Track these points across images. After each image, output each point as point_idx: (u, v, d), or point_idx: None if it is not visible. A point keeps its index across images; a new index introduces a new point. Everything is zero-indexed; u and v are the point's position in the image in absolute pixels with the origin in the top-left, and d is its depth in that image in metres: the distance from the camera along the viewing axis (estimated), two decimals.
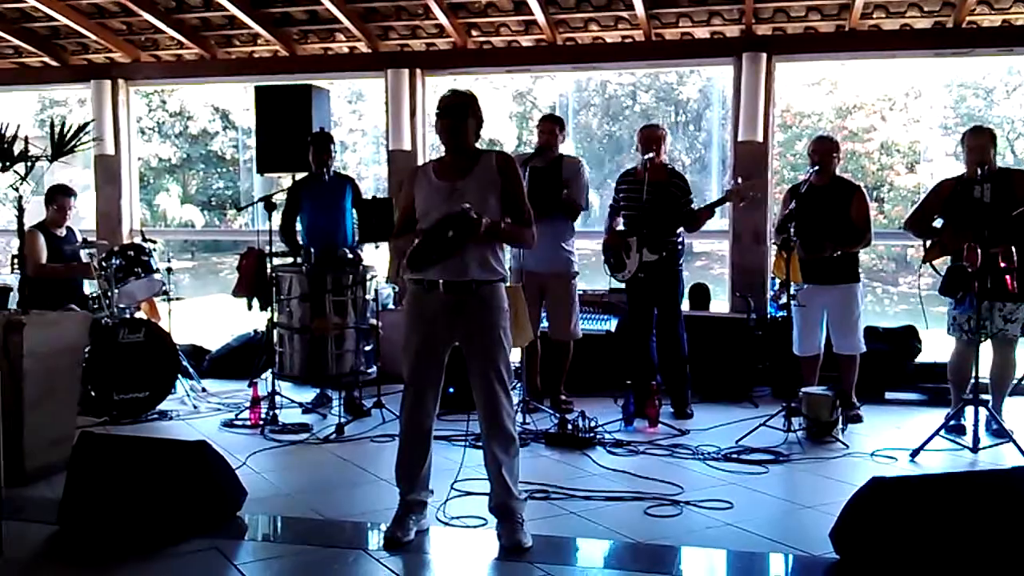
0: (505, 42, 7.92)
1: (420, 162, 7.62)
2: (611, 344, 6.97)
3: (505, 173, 3.91)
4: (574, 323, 6.45)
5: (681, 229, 6.26)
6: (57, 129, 5.33)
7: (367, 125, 16.65)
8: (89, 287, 6.98)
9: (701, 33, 7.52)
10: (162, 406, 6.42)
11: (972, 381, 5.48)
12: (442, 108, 3.90)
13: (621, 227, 6.41)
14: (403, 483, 3.97)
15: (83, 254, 6.83)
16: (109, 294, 6.39)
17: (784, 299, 5.87)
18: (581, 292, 6.72)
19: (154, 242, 6.92)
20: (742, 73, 7.34)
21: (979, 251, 5.23)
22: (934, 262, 5.71)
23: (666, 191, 6.17)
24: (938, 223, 5.81)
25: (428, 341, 3.87)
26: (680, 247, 6.34)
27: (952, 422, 5.51)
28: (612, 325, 7.12)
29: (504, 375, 3.86)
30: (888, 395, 6.83)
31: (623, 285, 6.46)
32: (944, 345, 5.97)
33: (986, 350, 5.60)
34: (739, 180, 6.16)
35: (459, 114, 3.88)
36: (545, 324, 6.57)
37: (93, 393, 6.05)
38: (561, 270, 6.35)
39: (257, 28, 7.92)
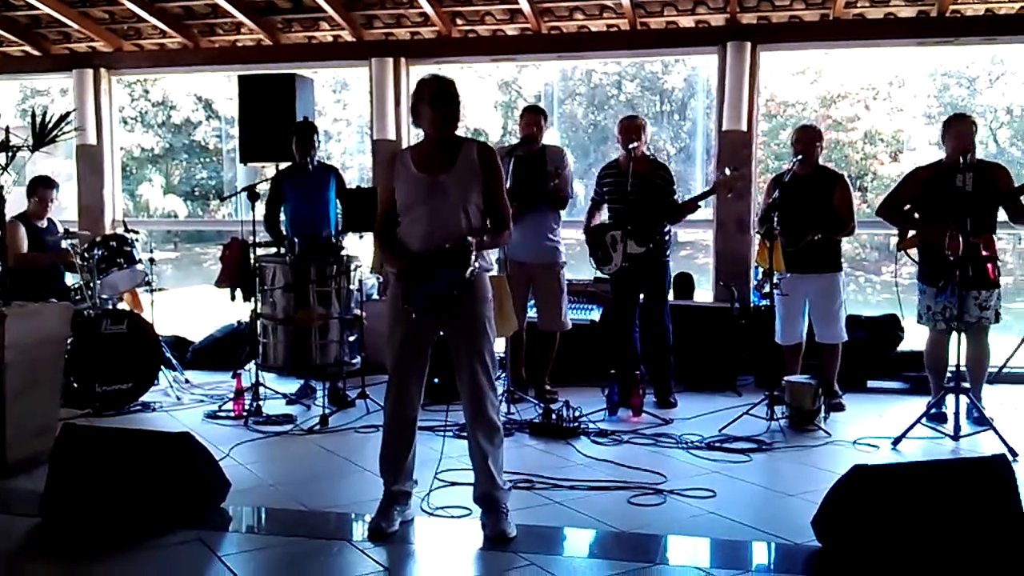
0: (490, 31, 7.91)
1: None
2: (595, 334, 6.98)
3: (487, 167, 3.86)
4: (563, 313, 6.45)
5: (666, 221, 6.26)
6: (39, 119, 5.29)
7: (351, 114, 16.56)
8: (71, 278, 6.94)
9: (686, 22, 7.52)
10: (145, 397, 6.40)
11: (953, 369, 5.51)
12: (437, 94, 3.79)
13: (605, 219, 6.41)
14: (387, 474, 3.97)
15: (64, 244, 6.79)
16: (91, 285, 6.36)
17: (767, 288, 5.89)
18: (566, 282, 6.72)
19: (137, 232, 6.88)
20: (727, 62, 7.36)
21: (961, 239, 5.26)
22: (909, 250, 5.75)
23: (651, 183, 6.17)
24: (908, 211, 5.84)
25: (412, 332, 3.85)
26: (667, 238, 6.35)
27: (933, 410, 5.55)
28: (596, 315, 7.13)
29: (489, 365, 3.86)
30: (870, 383, 6.87)
31: (608, 277, 6.47)
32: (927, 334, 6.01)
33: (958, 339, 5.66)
34: (727, 171, 6.17)
35: (456, 101, 3.82)
36: (532, 314, 6.58)
37: (76, 385, 6.02)
38: (548, 260, 6.34)
39: (240, 17, 7.88)
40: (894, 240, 5.93)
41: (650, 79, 16.76)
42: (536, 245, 6.24)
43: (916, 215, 5.77)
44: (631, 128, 6.24)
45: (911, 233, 5.76)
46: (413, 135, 8.16)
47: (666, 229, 6.30)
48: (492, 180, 3.88)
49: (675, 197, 6.25)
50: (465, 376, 3.85)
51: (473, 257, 3.67)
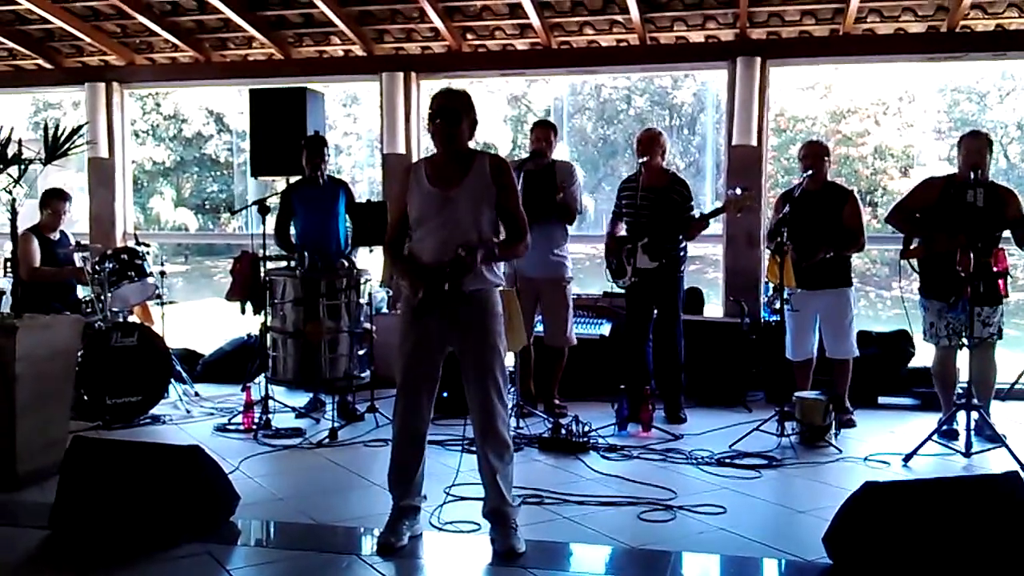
0: (500, 46, 7.93)
1: None
2: (605, 348, 6.97)
3: (500, 181, 3.85)
4: (569, 329, 6.44)
5: (681, 237, 6.25)
6: (51, 132, 5.32)
7: (362, 128, 16.60)
8: (82, 291, 6.96)
9: (696, 37, 7.53)
10: (155, 410, 6.40)
11: (964, 385, 5.49)
12: (435, 110, 3.82)
13: (623, 233, 6.41)
14: (396, 488, 3.96)
15: (76, 258, 6.81)
16: (102, 298, 6.37)
17: (777, 303, 5.88)
18: (576, 296, 6.72)
19: (147, 245, 6.89)
20: (736, 77, 7.36)
21: (972, 256, 5.25)
22: (913, 260, 5.75)
23: (666, 198, 6.16)
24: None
25: (422, 346, 3.85)
26: (682, 254, 6.32)
27: (945, 427, 5.52)
28: (606, 329, 7.11)
29: (500, 382, 3.84)
30: (881, 399, 6.83)
31: (619, 290, 6.46)
32: None
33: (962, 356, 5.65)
34: (737, 191, 6.17)
35: (453, 118, 3.80)
36: (539, 329, 6.57)
37: (86, 397, 6.03)
38: (555, 275, 6.34)
39: (252, 31, 7.92)
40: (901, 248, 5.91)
41: (660, 94, 16.77)
42: (543, 260, 6.23)
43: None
44: (642, 141, 6.26)
45: (915, 243, 5.77)
46: (424, 149, 8.19)
47: (681, 245, 6.28)
48: (506, 193, 3.88)
49: (691, 213, 6.24)
50: (475, 392, 3.83)
51: (475, 256, 3.65)
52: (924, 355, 6.89)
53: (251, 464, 5.23)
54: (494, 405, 3.81)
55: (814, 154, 6.12)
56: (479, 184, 3.82)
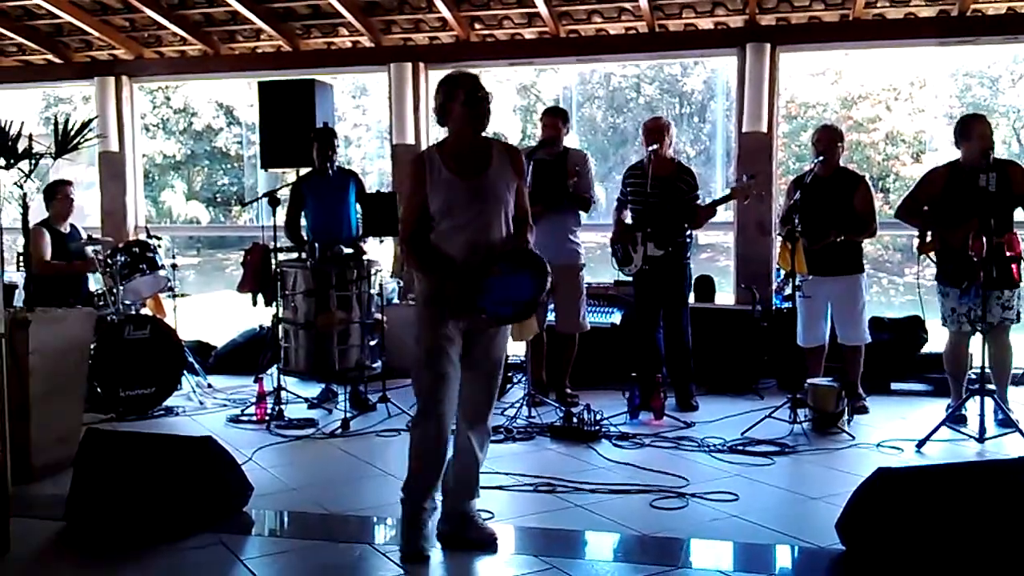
0: (508, 35, 7.92)
1: None
2: (616, 337, 6.96)
3: (516, 168, 3.73)
4: (582, 315, 6.45)
5: (686, 225, 6.24)
6: (61, 126, 5.33)
7: (371, 120, 16.61)
8: (95, 284, 6.99)
9: (705, 24, 7.50)
10: (168, 402, 6.43)
11: (979, 370, 5.47)
12: (472, 92, 3.57)
13: (629, 220, 6.40)
14: (420, 496, 3.73)
15: (88, 251, 6.84)
16: (114, 291, 6.40)
17: (789, 290, 5.86)
18: (587, 285, 6.71)
19: (159, 238, 6.92)
20: (746, 64, 7.33)
21: (984, 240, 5.22)
22: (931, 253, 5.72)
23: (673, 186, 6.15)
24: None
25: (449, 341, 3.62)
26: (688, 242, 6.32)
27: (955, 412, 5.50)
28: (617, 318, 7.11)
29: (500, 378, 3.81)
30: (894, 386, 6.81)
31: (629, 278, 6.46)
32: None
33: (977, 340, 5.61)
34: (744, 178, 6.15)
35: (489, 98, 3.66)
36: (551, 317, 6.57)
37: (99, 390, 6.06)
38: (568, 262, 6.33)
39: (260, 23, 7.92)
40: (916, 242, 5.90)
41: (669, 81, 16.71)
42: (557, 247, 6.22)
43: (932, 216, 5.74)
44: (653, 130, 6.24)
45: (929, 237, 5.73)
46: (432, 139, 8.17)
47: (687, 233, 6.28)
48: (521, 180, 3.77)
49: (697, 202, 6.23)
50: (476, 384, 3.72)
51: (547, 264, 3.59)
52: (937, 341, 6.87)
53: (264, 455, 5.25)
54: (492, 396, 3.79)
55: (827, 139, 6.09)
56: (503, 171, 3.67)
